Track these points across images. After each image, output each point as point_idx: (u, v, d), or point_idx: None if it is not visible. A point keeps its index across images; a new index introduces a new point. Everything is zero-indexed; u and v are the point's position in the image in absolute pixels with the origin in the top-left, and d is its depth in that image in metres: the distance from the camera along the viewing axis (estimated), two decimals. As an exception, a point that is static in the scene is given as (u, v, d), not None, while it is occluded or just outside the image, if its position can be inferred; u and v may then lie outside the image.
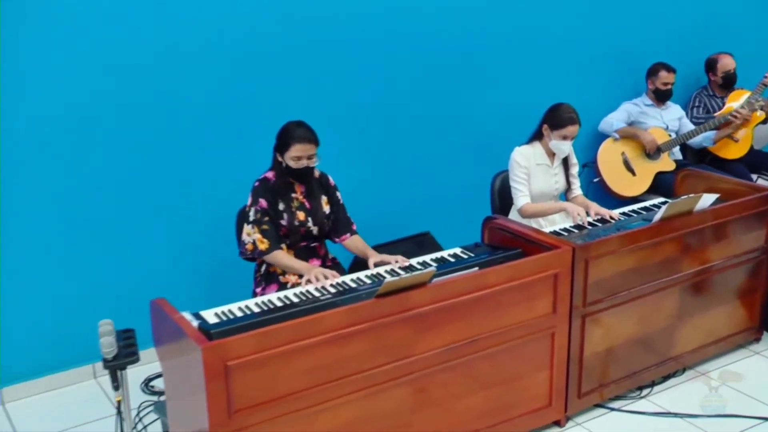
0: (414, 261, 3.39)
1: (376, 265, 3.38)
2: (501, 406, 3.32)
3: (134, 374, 3.93)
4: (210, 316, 2.92)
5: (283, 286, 3.39)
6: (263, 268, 3.51)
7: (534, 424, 3.45)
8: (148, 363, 4.01)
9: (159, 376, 3.95)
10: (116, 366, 2.56)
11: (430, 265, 3.30)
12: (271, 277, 3.46)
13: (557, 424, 3.51)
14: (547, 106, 3.99)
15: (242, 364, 2.64)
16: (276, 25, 4.04)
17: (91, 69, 3.67)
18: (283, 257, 3.37)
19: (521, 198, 3.94)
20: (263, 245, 3.36)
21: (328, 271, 3.21)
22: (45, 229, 3.73)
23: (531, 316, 3.28)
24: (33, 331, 3.79)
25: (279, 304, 3.02)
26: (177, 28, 3.81)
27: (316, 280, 3.16)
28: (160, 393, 3.80)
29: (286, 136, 3.38)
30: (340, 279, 3.22)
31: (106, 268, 3.90)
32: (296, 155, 3.35)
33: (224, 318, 2.90)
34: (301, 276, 3.30)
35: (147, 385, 3.89)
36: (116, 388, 2.64)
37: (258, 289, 3.49)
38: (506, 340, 3.24)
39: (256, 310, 2.97)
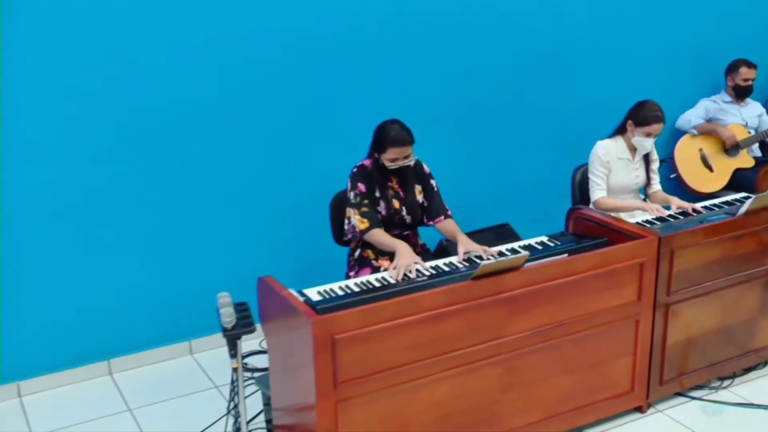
0: (503, 248, 3.51)
1: (465, 252, 3.50)
2: (585, 389, 3.42)
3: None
4: (313, 294, 3.09)
5: (376, 270, 3.54)
6: (357, 252, 3.67)
7: (616, 409, 3.54)
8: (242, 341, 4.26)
9: (252, 354, 4.16)
10: (234, 335, 2.75)
11: (519, 252, 3.42)
12: (364, 262, 3.62)
13: (638, 410, 3.60)
14: (627, 102, 4.07)
15: (348, 338, 2.81)
16: (372, 21, 4.23)
17: (201, 64, 3.90)
18: (381, 235, 3.49)
19: (598, 191, 4.02)
20: (363, 225, 3.50)
21: (414, 262, 3.31)
22: (156, 216, 3.99)
23: (616, 303, 3.38)
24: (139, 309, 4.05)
25: (377, 284, 3.17)
26: (279, 23, 4.01)
27: (396, 269, 3.25)
28: (253, 369, 4.00)
29: (382, 139, 3.48)
30: (433, 263, 3.36)
31: (210, 252, 4.14)
32: (392, 158, 3.49)
33: (327, 296, 3.07)
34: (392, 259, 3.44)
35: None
36: (233, 356, 2.82)
37: (351, 273, 3.65)
38: (592, 326, 3.34)
39: (356, 289, 3.13)
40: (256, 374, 3.94)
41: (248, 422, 3.44)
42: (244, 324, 2.74)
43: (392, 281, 3.20)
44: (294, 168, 4.22)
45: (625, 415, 3.57)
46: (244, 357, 4.12)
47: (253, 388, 3.79)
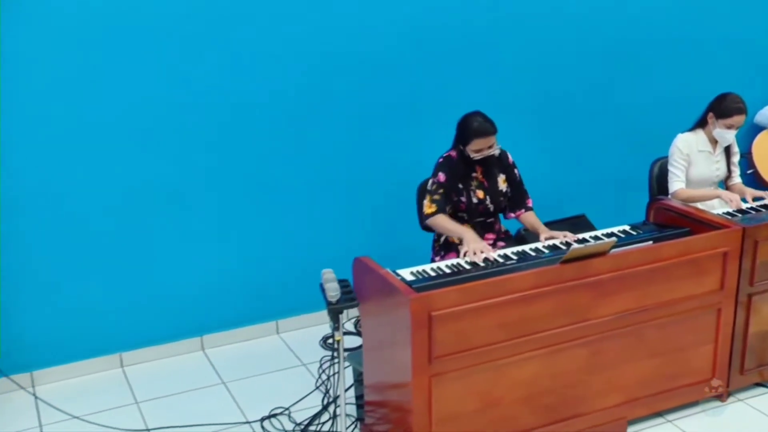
0: (586, 235, 3.60)
1: (546, 240, 3.61)
2: (667, 374, 3.50)
3: (313, 333, 4.36)
4: (406, 274, 3.24)
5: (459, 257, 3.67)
6: (442, 238, 3.80)
7: (697, 396, 3.61)
8: (325, 323, 4.43)
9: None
10: (338, 309, 2.90)
11: (601, 239, 3.51)
12: (450, 247, 3.75)
13: (719, 398, 3.66)
14: (706, 96, 4.11)
15: (443, 315, 2.95)
16: (459, 16, 4.37)
17: (296, 56, 4.08)
18: (444, 221, 3.59)
19: (676, 183, 4.07)
20: (429, 209, 3.62)
21: (484, 247, 3.43)
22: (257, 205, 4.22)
23: (699, 291, 3.45)
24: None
25: (467, 267, 3.31)
26: (372, 18, 4.18)
27: (473, 254, 3.37)
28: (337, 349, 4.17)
29: (466, 131, 3.59)
30: (519, 248, 3.47)
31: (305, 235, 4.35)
32: (477, 148, 3.59)
33: (420, 276, 3.22)
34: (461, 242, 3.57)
35: (325, 342, 4.28)
36: (336, 329, 2.98)
37: (437, 258, 3.78)
38: (674, 312, 3.42)
39: (448, 271, 3.27)
40: (345, 352, 4.10)
41: (336, 399, 3.60)
42: (347, 298, 2.90)
43: (481, 264, 3.32)
44: (382, 155, 4.38)
45: (705, 402, 3.64)
46: (329, 337, 4.31)
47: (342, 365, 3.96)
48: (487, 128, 3.57)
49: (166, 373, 4.02)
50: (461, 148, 3.66)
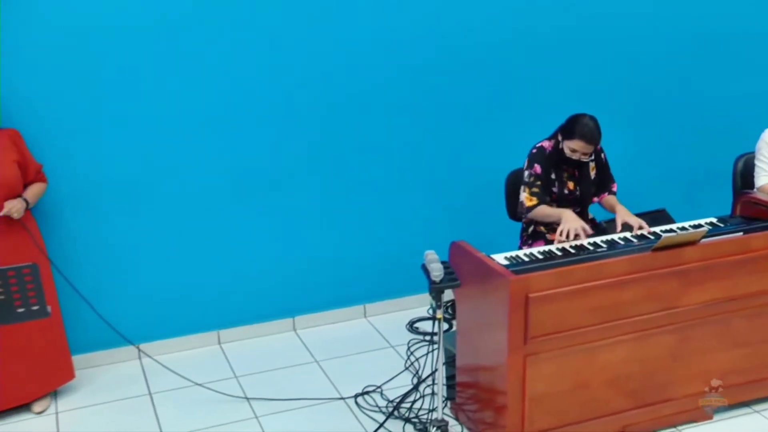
0: (674, 226, 3.69)
1: (623, 224, 3.68)
2: (753, 365, 3.56)
3: (399, 317, 4.53)
4: (500, 259, 3.37)
5: (549, 244, 3.79)
6: (530, 228, 3.92)
7: (783, 387, 3.66)
8: (411, 308, 4.61)
9: (421, 319, 4.50)
10: (441, 288, 3.06)
11: (687, 230, 3.59)
12: (537, 236, 3.88)
13: (803, 390, 3.70)
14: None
15: (540, 297, 3.08)
16: (553, 12, 4.50)
17: (389, 48, 4.25)
18: (544, 209, 3.72)
19: (763, 177, 4.10)
20: (530, 202, 3.75)
21: (583, 226, 3.55)
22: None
23: (788, 284, 3.51)
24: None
25: (559, 253, 3.43)
26: (470, 10, 4.33)
27: (565, 233, 3.50)
28: (424, 333, 4.34)
29: (575, 128, 3.65)
30: (608, 237, 3.58)
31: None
32: (574, 148, 3.67)
33: (513, 261, 3.35)
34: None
35: (412, 326, 4.44)
36: (439, 307, 3.13)
37: (524, 247, 3.90)
38: (763, 303, 3.48)
39: (540, 256, 3.40)
40: (427, 336, 4.27)
41: (425, 378, 3.77)
42: (449, 279, 3.05)
43: (571, 250, 3.44)
44: (470, 147, 4.52)
45: (794, 394, 3.68)
46: (415, 322, 4.47)
47: (429, 347, 4.12)
48: (594, 136, 3.63)
49: (261, 350, 4.24)
50: (559, 139, 3.76)
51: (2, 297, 2.58)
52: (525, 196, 3.78)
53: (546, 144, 3.82)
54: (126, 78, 3.85)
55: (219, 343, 4.31)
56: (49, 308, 2.72)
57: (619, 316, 3.24)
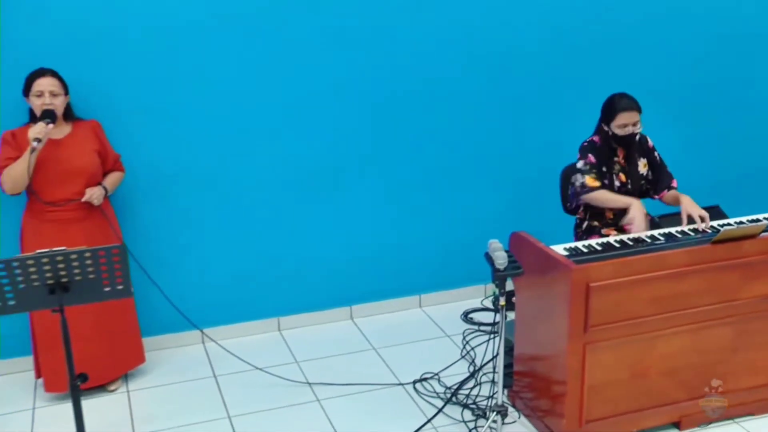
0: (731, 220, 3.72)
1: (688, 217, 3.71)
2: (812, 360, 3.59)
3: (454, 308, 4.63)
4: (560, 249, 3.45)
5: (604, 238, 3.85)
6: (585, 223, 3.98)
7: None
8: (464, 299, 4.70)
9: (475, 310, 4.59)
10: (504, 275, 3.14)
11: (745, 224, 3.62)
12: (593, 231, 3.93)
13: None
14: None
15: (601, 286, 3.15)
16: (604, 7, 4.56)
17: (454, 43, 4.35)
18: (608, 193, 3.76)
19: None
20: (593, 183, 3.76)
21: (641, 217, 3.60)
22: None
23: None
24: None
25: (617, 245, 3.49)
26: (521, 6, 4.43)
27: (631, 220, 3.57)
28: (479, 323, 4.43)
29: (612, 107, 3.76)
30: (659, 231, 3.61)
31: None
32: (622, 123, 3.74)
33: (572, 252, 3.42)
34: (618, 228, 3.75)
35: (466, 316, 4.53)
36: (502, 294, 3.22)
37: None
38: (822, 298, 3.51)
39: (599, 248, 3.46)
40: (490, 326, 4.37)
41: (482, 366, 3.86)
42: (513, 267, 3.13)
43: (629, 242, 3.50)
44: (525, 143, 4.61)
45: None
46: (469, 312, 4.56)
47: (484, 337, 4.22)
48: (633, 104, 3.73)
49: (319, 337, 4.36)
50: (605, 129, 3.80)
51: (92, 276, 2.73)
52: (588, 178, 3.78)
53: (595, 138, 3.88)
54: (198, 76, 4.00)
55: (279, 329, 4.45)
56: (132, 288, 2.87)
57: (678, 307, 3.30)
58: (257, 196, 4.25)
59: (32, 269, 2.63)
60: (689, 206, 3.74)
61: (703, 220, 3.67)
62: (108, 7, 3.79)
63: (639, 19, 4.63)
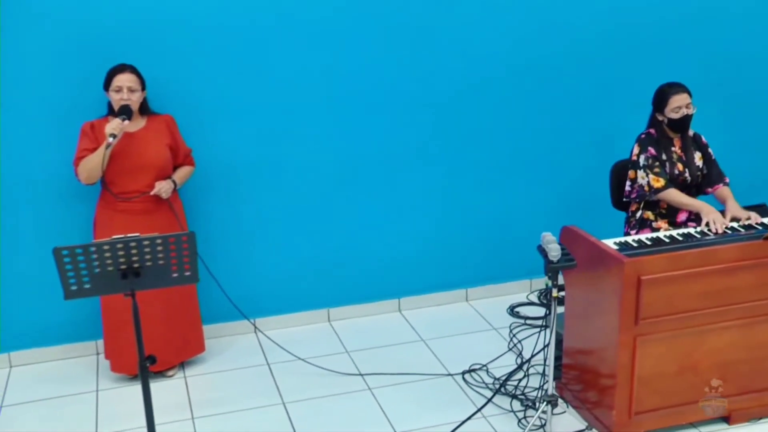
0: (781, 216, 3.75)
1: (733, 217, 3.74)
2: None
3: (499, 302, 4.70)
4: (610, 243, 3.50)
5: (655, 231, 3.88)
6: (638, 215, 4.02)
7: None
8: (510, 294, 4.77)
9: (521, 304, 4.66)
10: (557, 268, 3.21)
11: (795, 224, 3.65)
12: (644, 223, 3.97)
13: None
14: None
15: (652, 279, 3.20)
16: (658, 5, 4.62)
17: (512, 39, 4.44)
18: (678, 194, 3.82)
19: None
20: (658, 183, 3.82)
21: (722, 218, 3.65)
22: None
23: None
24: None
25: (666, 240, 3.53)
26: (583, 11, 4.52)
27: (713, 223, 3.60)
28: (525, 317, 4.49)
29: (663, 94, 3.85)
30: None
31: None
32: (676, 105, 3.80)
33: (622, 246, 3.47)
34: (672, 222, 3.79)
35: (512, 310, 4.60)
36: (555, 286, 3.28)
37: (632, 232, 4.01)
38: None
39: (648, 242, 3.51)
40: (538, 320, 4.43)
41: (531, 358, 3.92)
42: (566, 259, 3.20)
43: (678, 237, 3.53)
44: (575, 139, 4.67)
45: None
46: (515, 306, 4.63)
47: (530, 331, 4.29)
48: (682, 87, 3.84)
49: (369, 328, 4.46)
50: (659, 119, 3.87)
51: (162, 262, 2.85)
52: (651, 178, 3.84)
53: (651, 131, 3.93)
54: (263, 75, 4.14)
55: (329, 320, 4.55)
56: (198, 275, 2.98)
57: (728, 301, 3.33)
58: (311, 192, 4.36)
59: (107, 254, 2.75)
60: (735, 209, 3.78)
61: (748, 218, 3.71)
62: (185, 9, 3.96)
63: (684, 17, 4.66)
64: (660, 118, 3.89)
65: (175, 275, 2.92)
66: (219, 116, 4.12)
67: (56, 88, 3.88)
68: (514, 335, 4.31)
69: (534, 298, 4.74)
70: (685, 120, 3.85)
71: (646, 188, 3.85)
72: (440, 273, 4.68)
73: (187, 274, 2.93)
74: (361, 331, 4.43)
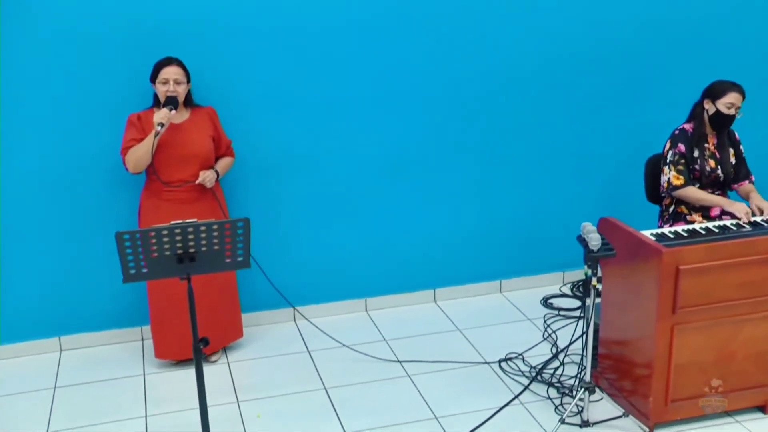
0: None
1: (758, 207, 3.83)
2: None
3: (533, 293, 4.78)
4: (647, 234, 3.56)
5: (689, 225, 3.94)
6: (671, 208, 4.08)
7: None
8: (543, 286, 4.84)
9: (555, 296, 4.73)
10: (597, 257, 3.28)
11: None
12: (678, 217, 4.03)
13: None
14: None
15: (690, 269, 3.27)
16: (697, 7, 4.69)
17: (539, 40, 4.52)
18: (696, 192, 3.90)
19: None
20: (678, 181, 3.92)
21: (746, 207, 3.71)
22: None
23: None
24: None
25: (702, 232, 3.59)
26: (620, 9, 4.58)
27: (738, 212, 3.68)
28: (558, 309, 4.56)
29: (723, 86, 3.90)
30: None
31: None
32: (730, 101, 3.87)
33: (659, 237, 3.53)
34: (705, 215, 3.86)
35: (546, 302, 4.67)
36: (594, 275, 3.35)
37: (665, 226, 4.07)
38: None
39: (684, 234, 3.57)
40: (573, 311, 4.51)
41: (568, 346, 3.98)
42: (606, 249, 3.27)
43: (714, 230, 3.59)
44: (611, 133, 4.74)
45: None
46: (548, 298, 4.70)
47: (564, 322, 4.37)
48: (741, 88, 3.90)
49: (405, 318, 4.56)
50: (705, 107, 3.91)
51: (216, 247, 2.96)
52: (672, 175, 3.93)
53: (687, 126, 3.99)
54: (301, 70, 4.24)
55: (366, 309, 4.65)
56: (249, 260, 3.09)
57: (766, 292, 3.39)
58: (350, 183, 4.46)
59: (166, 239, 2.86)
60: (759, 201, 3.87)
61: None
62: (228, 5, 4.07)
63: (724, 14, 4.71)
64: (707, 106, 3.93)
65: (228, 260, 3.02)
66: (260, 108, 4.22)
67: (104, 81, 4.00)
68: (548, 326, 4.38)
69: (566, 290, 4.82)
70: (730, 120, 3.91)
71: (665, 185, 3.92)
72: (475, 264, 4.76)
73: (240, 259, 3.03)
74: (398, 321, 4.53)
